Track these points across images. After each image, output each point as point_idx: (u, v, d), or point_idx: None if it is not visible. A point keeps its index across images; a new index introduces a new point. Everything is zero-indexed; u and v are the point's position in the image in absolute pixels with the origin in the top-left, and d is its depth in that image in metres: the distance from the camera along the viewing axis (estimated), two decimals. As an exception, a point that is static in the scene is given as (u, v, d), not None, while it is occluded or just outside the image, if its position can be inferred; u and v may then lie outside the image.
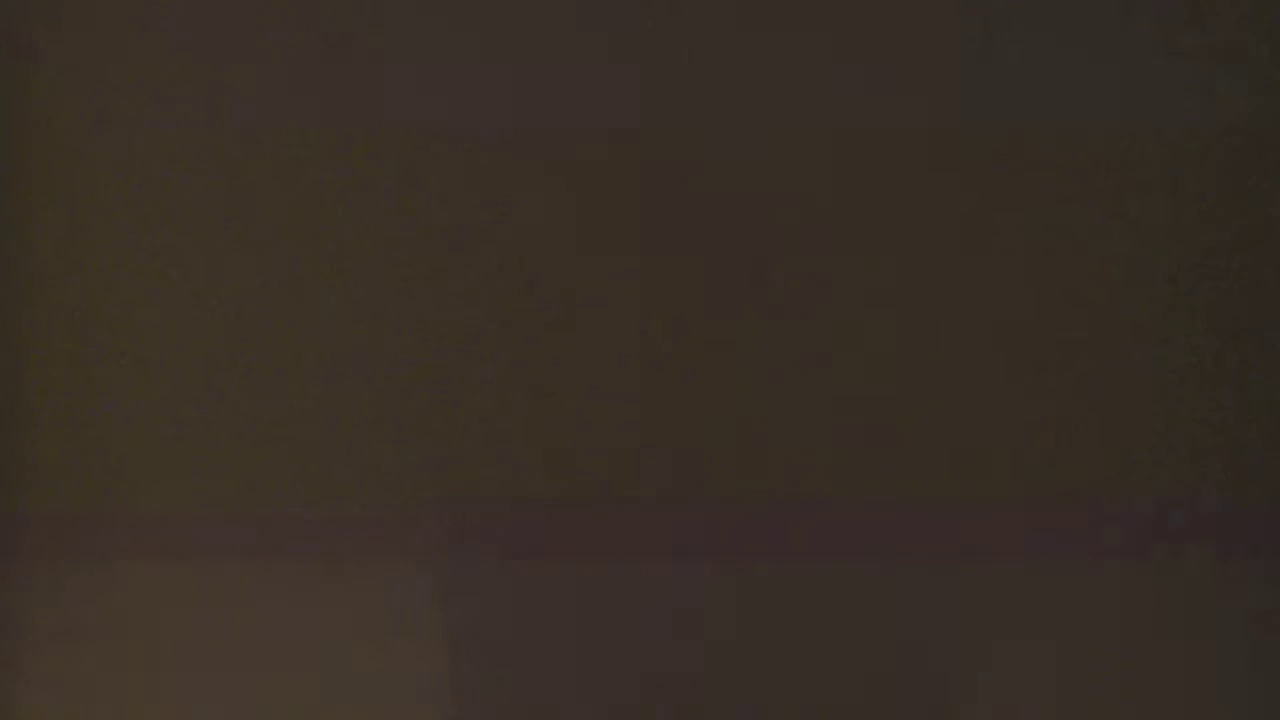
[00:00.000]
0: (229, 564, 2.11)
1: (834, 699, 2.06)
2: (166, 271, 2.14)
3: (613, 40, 2.11)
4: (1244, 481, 2.03)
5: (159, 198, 2.14)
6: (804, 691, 2.07)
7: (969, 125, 2.07)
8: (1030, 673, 2.06)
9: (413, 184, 2.12)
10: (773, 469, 2.07)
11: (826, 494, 2.06)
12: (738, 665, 2.07)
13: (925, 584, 2.06)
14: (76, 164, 2.15)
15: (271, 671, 2.10)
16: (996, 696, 2.05)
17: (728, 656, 2.07)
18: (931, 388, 2.06)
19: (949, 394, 2.06)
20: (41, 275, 2.14)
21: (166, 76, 2.14)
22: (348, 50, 2.13)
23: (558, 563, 2.09)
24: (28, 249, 2.14)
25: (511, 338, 2.11)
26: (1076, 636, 2.05)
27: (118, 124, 2.15)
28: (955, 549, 2.05)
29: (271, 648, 2.10)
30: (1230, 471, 2.04)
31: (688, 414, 2.08)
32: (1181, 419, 2.04)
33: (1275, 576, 2.03)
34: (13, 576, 2.12)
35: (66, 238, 2.14)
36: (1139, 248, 2.05)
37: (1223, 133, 2.05)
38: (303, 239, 2.13)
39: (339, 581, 2.10)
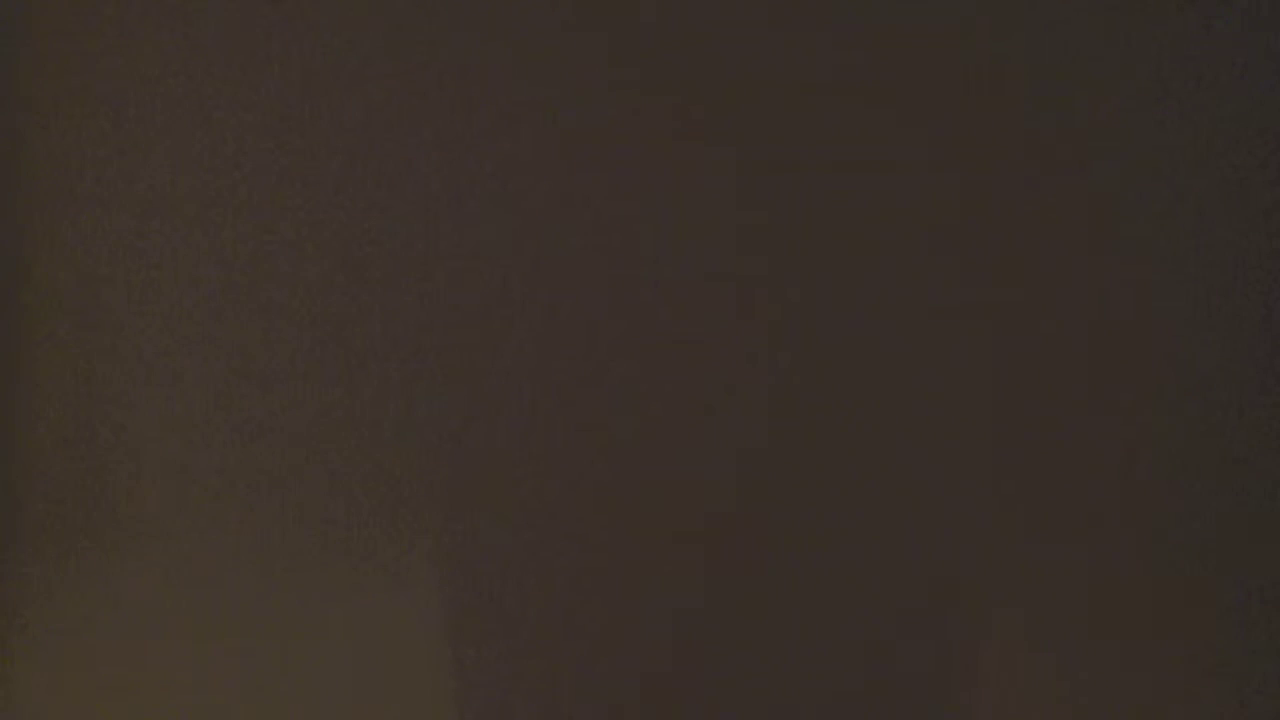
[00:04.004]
0: (229, 563, 2.12)
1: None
2: (168, 271, 2.14)
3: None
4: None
5: (161, 198, 2.14)
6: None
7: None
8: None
9: (417, 185, 2.12)
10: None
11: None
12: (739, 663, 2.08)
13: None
14: (77, 164, 2.15)
15: (271, 671, 2.11)
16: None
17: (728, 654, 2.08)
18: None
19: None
20: (42, 275, 2.14)
21: (168, 77, 2.15)
22: (351, 51, 2.14)
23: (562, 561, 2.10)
24: (28, 249, 2.15)
25: (515, 338, 2.11)
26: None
27: (119, 124, 2.15)
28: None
29: (271, 647, 2.11)
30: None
31: (691, 420, 2.09)
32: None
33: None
34: (13, 577, 2.12)
35: (67, 238, 2.14)
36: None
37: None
38: (303, 239, 2.13)
39: (340, 582, 2.10)
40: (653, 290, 2.09)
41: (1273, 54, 2.05)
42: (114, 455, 2.12)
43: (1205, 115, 2.07)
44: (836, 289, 2.08)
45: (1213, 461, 2.05)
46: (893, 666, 2.06)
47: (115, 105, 2.15)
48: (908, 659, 2.06)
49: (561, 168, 2.11)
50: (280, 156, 2.13)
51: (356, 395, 2.11)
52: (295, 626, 2.10)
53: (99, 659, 2.12)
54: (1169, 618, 2.05)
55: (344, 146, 2.12)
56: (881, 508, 2.07)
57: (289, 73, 2.13)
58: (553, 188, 2.11)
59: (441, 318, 2.11)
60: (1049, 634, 2.05)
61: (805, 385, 2.08)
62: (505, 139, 2.12)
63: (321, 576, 2.11)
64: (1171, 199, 2.06)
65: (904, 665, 2.06)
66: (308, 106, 2.13)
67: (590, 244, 2.10)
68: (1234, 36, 2.06)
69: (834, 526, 2.07)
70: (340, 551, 2.10)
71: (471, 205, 2.12)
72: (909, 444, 2.07)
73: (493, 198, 2.11)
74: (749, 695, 2.07)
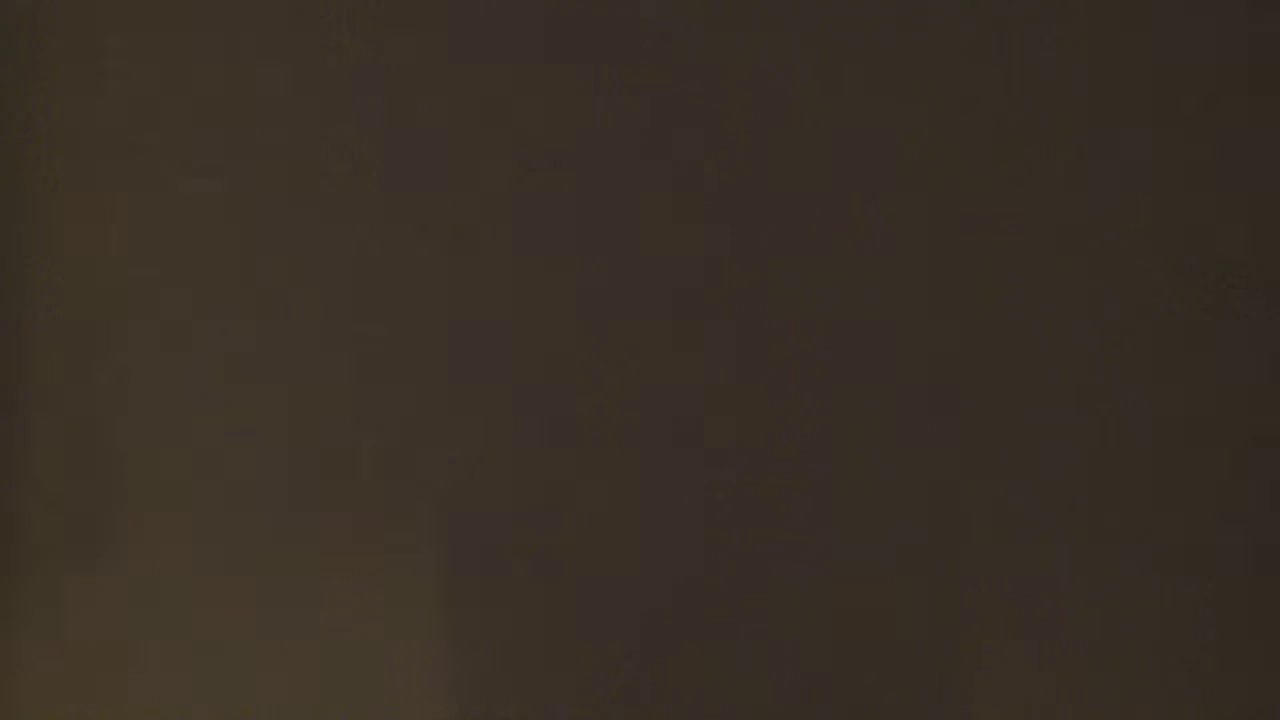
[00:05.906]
0: (229, 566, 2.12)
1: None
2: (168, 275, 2.14)
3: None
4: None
5: (162, 200, 2.14)
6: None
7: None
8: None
9: (419, 187, 2.12)
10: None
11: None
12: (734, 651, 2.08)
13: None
14: (78, 164, 2.15)
15: (270, 671, 2.11)
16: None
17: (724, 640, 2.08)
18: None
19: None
20: (42, 275, 2.15)
21: (169, 76, 2.15)
22: (352, 52, 2.14)
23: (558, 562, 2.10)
24: (28, 250, 2.15)
25: (521, 338, 2.11)
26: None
27: (120, 124, 2.15)
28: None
29: (271, 647, 2.11)
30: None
31: (691, 412, 2.09)
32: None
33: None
34: (13, 581, 2.13)
35: (68, 238, 2.15)
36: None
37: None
38: (304, 241, 2.13)
39: (341, 582, 2.11)
40: (652, 293, 2.09)
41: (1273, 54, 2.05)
42: (114, 458, 2.13)
43: (1203, 112, 2.06)
44: (834, 287, 2.08)
45: (1213, 461, 2.05)
46: (892, 666, 2.06)
47: (117, 106, 2.15)
48: (906, 658, 2.06)
49: (560, 172, 2.11)
50: (281, 158, 2.13)
51: (357, 398, 2.11)
52: (295, 629, 2.11)
53: (99, 662, 2.12)
54: (1167, 618, 2.05)
55: (345, 149, 2.12)
56: (879, 507, 2.07)
57: (290, 74, 2.13)
58: (553, 191, 2.11)
59: (442, 319, 2.11)
60: (1045, 635, 2.06)
61: (803, 385, 2.08)
62: (509, 143, 2.12)
63: (321, 581, 2.11)
64: (1169, 196, 2.06)
65: (902, 665, 2.06)
66: (308, 108, 2.13)
67: (590, 248, 2.10)
68: (1234, 36, 2.06)
69: (833, 528, 2.07)
70: (340, 555, 2.11)
71: (473, 206, 2.12)
72: (906, 443, 2.07)
73: (495, 200, 2.11)
74: (748, 694, 2.08)
